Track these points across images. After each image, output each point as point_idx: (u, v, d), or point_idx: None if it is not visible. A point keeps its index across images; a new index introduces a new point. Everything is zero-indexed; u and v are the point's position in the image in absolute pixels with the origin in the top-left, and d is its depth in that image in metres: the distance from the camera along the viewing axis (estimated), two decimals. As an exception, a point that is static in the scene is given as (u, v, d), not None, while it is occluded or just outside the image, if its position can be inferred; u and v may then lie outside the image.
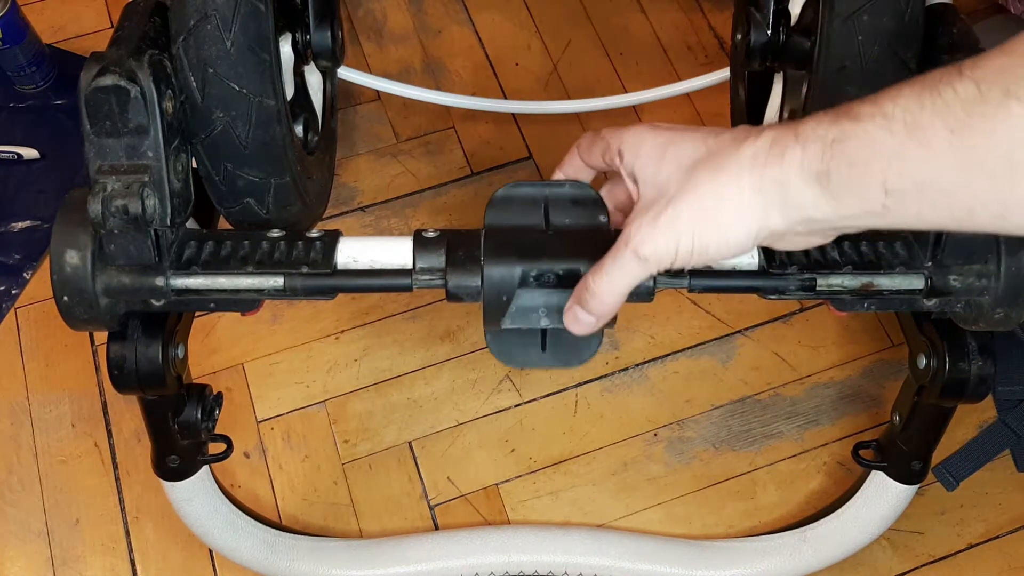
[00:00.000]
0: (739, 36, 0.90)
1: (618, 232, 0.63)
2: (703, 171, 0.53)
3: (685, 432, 0.98)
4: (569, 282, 0.60)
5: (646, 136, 0.57)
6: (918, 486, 0.85)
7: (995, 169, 0.44)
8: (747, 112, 0.95)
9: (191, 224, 0.74)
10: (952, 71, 0.45)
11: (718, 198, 0.52)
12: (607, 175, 0.64)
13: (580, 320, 0.58)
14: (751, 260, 0.65)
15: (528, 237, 0.62)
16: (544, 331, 0.63)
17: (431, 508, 0.95)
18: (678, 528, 0.94)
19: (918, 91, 0.46)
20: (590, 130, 0.63)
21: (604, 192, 0.65)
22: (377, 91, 1.14)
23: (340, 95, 1.09)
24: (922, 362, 0.75)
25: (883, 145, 0.46)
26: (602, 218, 0.64)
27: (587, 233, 0.63)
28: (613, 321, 0.63)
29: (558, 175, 0.66)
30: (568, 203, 0.64)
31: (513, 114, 1.14)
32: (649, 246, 0.53)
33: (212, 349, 1.02)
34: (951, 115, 0.44)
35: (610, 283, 0.56)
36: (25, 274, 1.06)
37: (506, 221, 0.64)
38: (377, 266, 0.65)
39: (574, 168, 0.65)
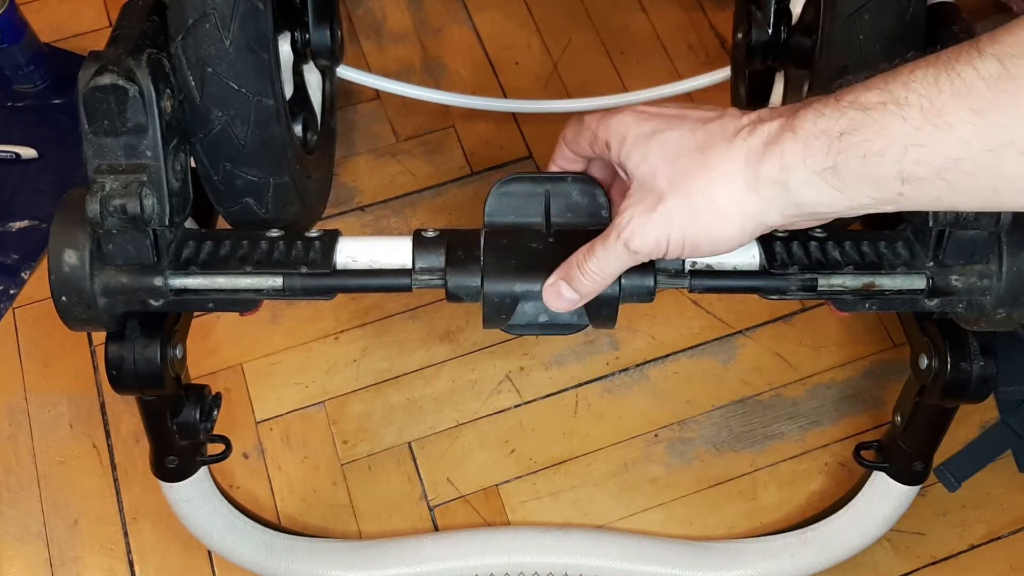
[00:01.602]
0: (740, 35, 0.89)
1: None
2: (692, 168, 0.52)
3: (686, 433, 0.98)
4: None
5: (631, 125, 0.56)
6: (920, 487, 0.85)
7: None
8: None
9: (189, 224, 0.74)
10: (968, 49, 0.43)
11: (709, 198, 0.51)
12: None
13: (563, 296, 0.59)
14: (752, 260, 0.64)
15: (528, 245, 0.62)
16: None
17: (431, 509, 0.95)
18: (679, 529, 0.94)
19: (933, 73, 0.44)
20: (573, 117, 0.61)
21: (592, 171, 0.65)
22: (376, 90, 1.14)
23: (339, 94, 1.09)
24: (924, 362, 0.75)
25: (898, 133, 0.44)
26: (604, 213, 0.64)
27: (589, 236, 0.63)
28: (613, 321, 0.63)
29: (552, 168, 0.65)
30: (570, 197, 0.64)
31: (513, 113, 1.14)
32: (639, 239, 0.54)
33: (211, 349, 1.01)
34: (974, 95, 0.42)
35: (599, 267, 0.57)
36: (23, 274, 1.06)
37: (506, 218, 0.64)
38: (376, 266, 0.65)
39: (566, 160, 0.64)
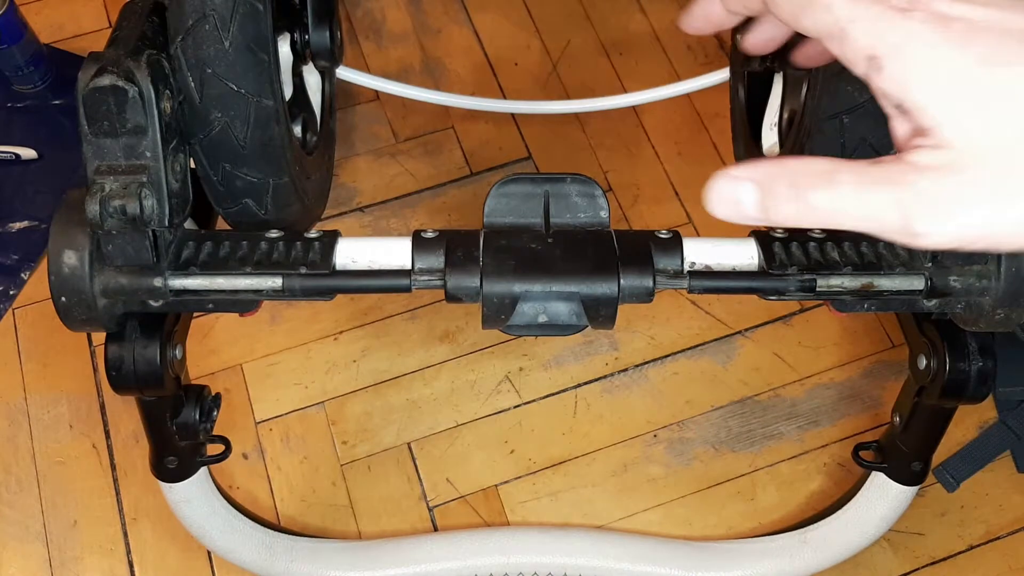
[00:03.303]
0: (739, 36, 0.89)
1: (610, 232, 0.63)
2: None
3: (685, 433, 0.98)
4: (566, 296, 0.60)
5: (937, 51, 0.34)
6: (918, 487, 0.85)
7: None
8: (747, 112, 0.95)
9: (189, 225, 0.74)
10: None
11: None
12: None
13: (743, 208, 0.38)
14: (750, 261, 0.64)
15: (527, 246, 0.62)
16: None
17: (430, 509, 0.95)
18: (678, 529, 0.94)
19: None
20: None
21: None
22: (376, 91, 1.14)
23: (339, 95, 1.09)
24: (922, 363, 0.75)
25: None
26: (603, 214, 0.64)
27: (588, 237, 0.63)
28: (612, 321, 0.63)
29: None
30: (569, 198, 0.64)
31: (512, 114, 1.14)
32: (946, 222, 0.34)
33: (210, 350, 1.01)
34: None
35: (833, 209, 0.36)
36: (23, 275, 1.06)
37: (505, 218, 0.64)
38: (376, 267, 0.65)
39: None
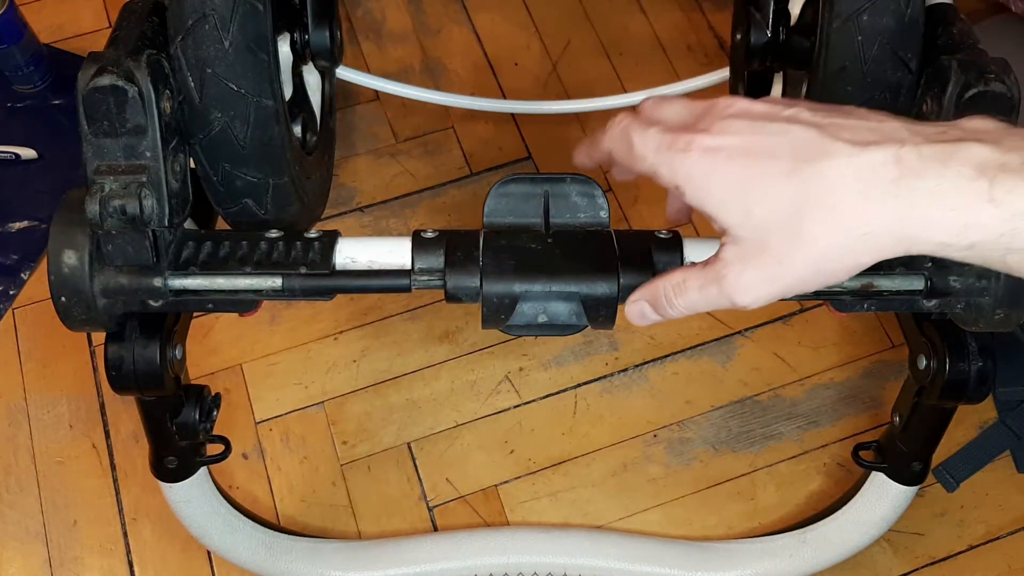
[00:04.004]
0: (739, 36, 0.89)
1: (610, 232, 0.63)
2: (817, 227, 0.46)
3: (685, 433, 0.98)
4: (566, 296, 0.61)
5: (711, 175, 0.49)
6: (918, 487, 0.85)
7: None
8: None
9: (189, 224, 0.74)
10: None
11: (849, 248, 0.46)
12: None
13: (647, 317, 0.57)
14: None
15: (527, 246, 0.62)
16: None
17: (430, 509, 0.95)
18: (678, 529, 0.94)
19: None
20: (619, 122, 0.55)
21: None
22: (376, 91, 1.14)
23: (339, 95, 1.09)
24: (922, 363, 0.75)
25: None
26: (602, 214, 0.64)
27: (588, 237, 0.63)
28: (612, 321, 0.63)
29: (579, 154, 0.62)
30: (568, 198, 0.64)
31: (512, 114, 1.14)
32: (751, 298, 0.50)
33: (210, 350, 1.01)
34: None
35: (690, 306, 0.54)
36: (23, 275, 1.06)
37: (505, 218, 0.64)
38: (376, 267, 0.65)
39: (596, 156, 0.60)
